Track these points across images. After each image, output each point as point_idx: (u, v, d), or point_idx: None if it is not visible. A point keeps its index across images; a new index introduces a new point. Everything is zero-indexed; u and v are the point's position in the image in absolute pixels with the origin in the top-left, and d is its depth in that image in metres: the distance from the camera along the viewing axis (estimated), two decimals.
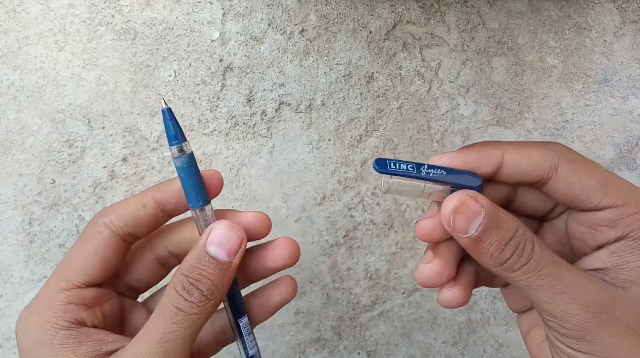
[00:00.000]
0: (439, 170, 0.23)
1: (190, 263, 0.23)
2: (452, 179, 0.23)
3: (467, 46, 0.44)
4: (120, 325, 0.27)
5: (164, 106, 0.24)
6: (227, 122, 0.43)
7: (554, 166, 0.22)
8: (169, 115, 0.24)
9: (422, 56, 0.44)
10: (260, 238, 0.27)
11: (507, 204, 0.26)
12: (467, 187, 0.23)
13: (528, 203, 0.26)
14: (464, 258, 0.26)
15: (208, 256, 0.23)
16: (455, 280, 0.25)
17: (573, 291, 0.21)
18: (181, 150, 0.24)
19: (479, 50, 0.44)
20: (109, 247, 0.24)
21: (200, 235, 0.25)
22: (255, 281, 0.29)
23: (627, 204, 0.22)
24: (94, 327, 0.24)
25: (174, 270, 0.26)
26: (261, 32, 0.43)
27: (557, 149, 0.23)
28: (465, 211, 0.21)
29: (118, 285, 0.27)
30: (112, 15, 0.43)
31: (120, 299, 0.27)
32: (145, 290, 0.29)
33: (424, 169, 0.23)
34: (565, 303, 0.21)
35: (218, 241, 0.23)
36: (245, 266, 0.27)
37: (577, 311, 0.21)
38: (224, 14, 0.43)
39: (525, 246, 0.21)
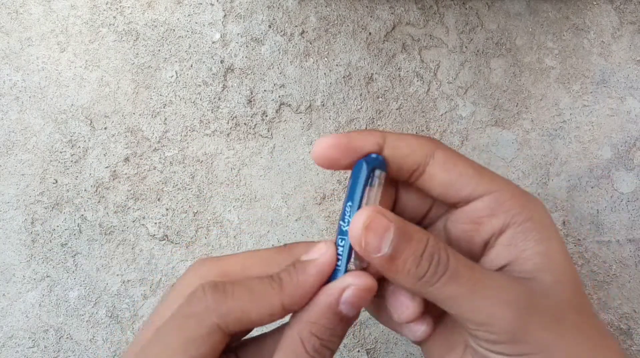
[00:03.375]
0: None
1: (322, 322, 0.21)
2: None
3: (466, 47, 0.45)
4: None
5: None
6: (228, 122, 0.44)
7: (430, 153, 0.23)
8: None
9: (421, 57, 0.44)
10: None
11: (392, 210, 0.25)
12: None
13: (407, 205, 0.26)
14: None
15: (340, 315, 0.21)
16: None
17: (495, 293, 0.20)
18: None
19: (478, 51, 0.45)
20: (218, 351, 0.21)
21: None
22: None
23: (501, 190, 0.22)
24: None
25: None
26: (262, 33, 0.44)
27: (432, 139, 0.24)
28: (375, 228, 0.20)
29: None
30: (114, 17, 0.43)
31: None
32: (242, 336, 0.27)
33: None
34: (489, 307, 0.20)
35: (351, 301, 0.21)
36: None
37: (503, 312, 0.20)
38: (224, 15, 0.43)
39: (441, 255, 0.21)
